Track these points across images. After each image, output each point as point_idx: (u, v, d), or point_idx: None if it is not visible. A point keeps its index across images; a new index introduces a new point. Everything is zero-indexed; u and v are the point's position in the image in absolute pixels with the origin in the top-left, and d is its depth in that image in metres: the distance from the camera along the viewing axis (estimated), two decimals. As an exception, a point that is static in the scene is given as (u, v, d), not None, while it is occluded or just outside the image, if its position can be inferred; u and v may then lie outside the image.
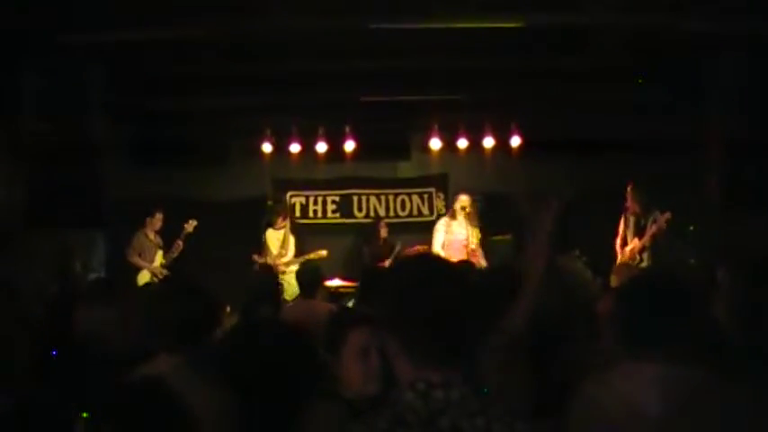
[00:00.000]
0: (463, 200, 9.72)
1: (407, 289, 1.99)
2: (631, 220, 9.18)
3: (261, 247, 10.36)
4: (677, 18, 7.82)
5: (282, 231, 10.37)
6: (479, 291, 2.18)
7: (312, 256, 10.22)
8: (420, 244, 10.66)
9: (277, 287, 5.25)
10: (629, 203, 9.18)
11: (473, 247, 9.50)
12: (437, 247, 9.58)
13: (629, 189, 9.14)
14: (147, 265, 9.79)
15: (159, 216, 9.96)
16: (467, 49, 9.13)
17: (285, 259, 10.17)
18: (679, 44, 8.81)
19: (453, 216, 9.80)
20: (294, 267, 10.10)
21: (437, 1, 7.76)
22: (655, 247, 9.03)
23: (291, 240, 10.45)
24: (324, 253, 10.34)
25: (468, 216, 9.61)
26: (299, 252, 10.39)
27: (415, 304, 1.95)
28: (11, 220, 7.66)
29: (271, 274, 5.29)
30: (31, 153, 7.85)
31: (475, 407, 1.91)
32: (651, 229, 8.96)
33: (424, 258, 2.31)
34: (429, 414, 1.88)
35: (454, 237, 9.63)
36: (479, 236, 9.71)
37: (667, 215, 8.89)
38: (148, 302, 3.25)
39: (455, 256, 9.02)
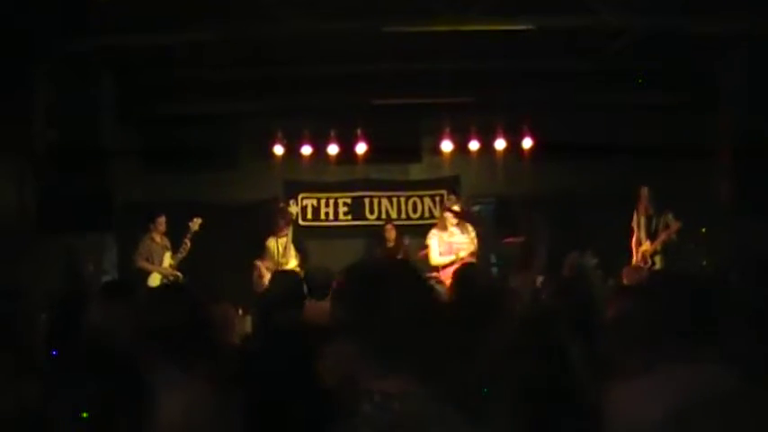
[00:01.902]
0: (448, 215, 9.79)
1: (374, 292, 1.89)
2: (642, 221, 9.15)
3: (263, 252, 10.28)
4: (689, 21, 7.81)
5: (284, 239, 10.24)
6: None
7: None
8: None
9: (302, 290, 5.15)
10: (641, 205, 9.15)
11: (471, 246, 9.53)
12: (436, 258, 9.62)
13: (642, 191, 9.10)
14: (155, 268, 9.79)
15: (162, 220, 9.94)
16: (478, 51, 9.14)
17: (288, 267, 10.02)
18: (690, 47, 8.78)
19: (444, 228, 9.79)
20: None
21: (448, 4, 7.76)
22: (666, 250, 9.00)
23: (292, 249, 10.34)
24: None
25: (457, 225, 9.65)
26: (304, 259, 10.30)
27: (382, 308, 1.86)
28: (22, 224, 7.71)
29: (296, 277, 5.17)
30: (41, 158, 7.89)
31: (434, 418, 1.80)
32: (662, 236, 8.93)
33: (382, 260, 2.24)
34: (386, 427, 1.78)
35: (451, 246, 9.64)
36: (474, 242, 9.69)
37: (678, 224, 8.85)
38: (139, 308, 3.21)
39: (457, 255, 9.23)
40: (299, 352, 2.91)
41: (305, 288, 5.28)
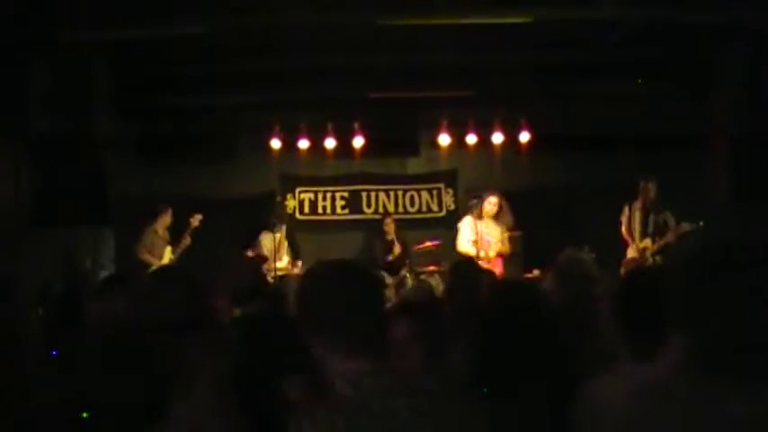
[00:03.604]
0: (492, 201, 9.34)
1: (326, 294, 2.30)
2: (637, 215, 9.10)
3: (255, 245, 10.27)
4: (688, 12, 7.79)
5: (278, 235, 10.23)
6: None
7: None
8: (429, 240, 10.68)
9: (264, 281, 5.20)
10: (642, 197, 9.08)
11: (501, 246, 9.27)
12: (464, 245, 9.27)
13: (649, 185, 9.01)
14: (156, 261, 9.78)
15: (169, 213, 9.97)
16: (476, 44, 9.12)
17: (280, 264, 10.04)
18: (689, 38, 8.77)
19: (480, 217, 9.37)
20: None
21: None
22: (665, 247, 8.96)
23: (285, 246, 10.35)
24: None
25: (495, 216, 9.32)
26: (296, 255, 10.32)
27: (333, 306, 2.26)
28: (18, 218, 7.69)
29: (258, 269, 5.22)
30: (38, 151, 7.87)
31: (401, 390, 2.19)
32: (668, 237, 8.84)
33: (341, 265, 2.51)
34: (361, 399, 2.12)
35: (481, 237, 9.31)
36: (506, 234, 9.39)
37: (687, 227, 8.75)
38: (138, 297, 3.16)
39: (486, 254, 9.00)
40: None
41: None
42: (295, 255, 10.46)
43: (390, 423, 2.14)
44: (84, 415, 2.14)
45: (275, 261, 9.81)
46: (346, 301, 2.25)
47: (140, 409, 2.62)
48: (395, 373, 2.27)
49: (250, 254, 10.07)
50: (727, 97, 9.22)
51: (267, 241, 10.13)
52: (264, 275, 5.22)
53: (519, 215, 10.86)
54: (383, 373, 2.21)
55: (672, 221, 8.88)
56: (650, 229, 8.98)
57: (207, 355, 2.91)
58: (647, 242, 8.98)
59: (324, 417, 2.11)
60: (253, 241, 10.25)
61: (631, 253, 9.07)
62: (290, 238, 10.45)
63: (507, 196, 11.27)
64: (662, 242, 8.89)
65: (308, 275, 2.51)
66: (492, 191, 9.43)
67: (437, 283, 9.12)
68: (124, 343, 3.32)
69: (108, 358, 3.26)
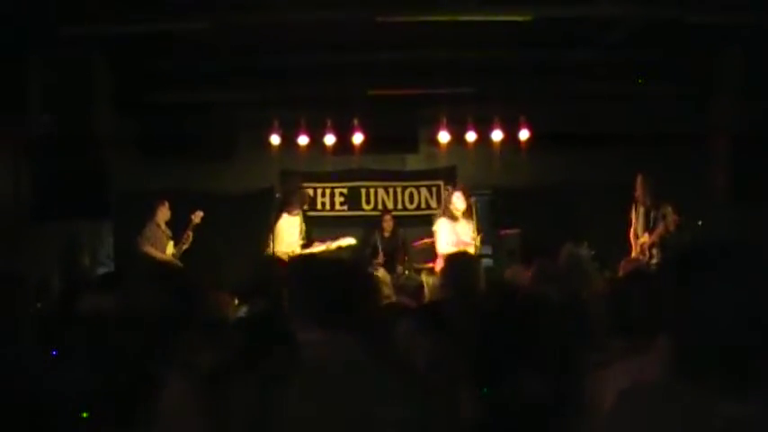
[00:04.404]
0: (458, 196, 9.40)
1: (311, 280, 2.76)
2: (641, 211, 9.11)
3: (271, 236, 10.18)
4: (686, 10, 7.80)
5: (298, 219, 10.12)
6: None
7: (343, 243, 10.07)
8: (428, 236, 10.67)
9: (272, 280, 5.18)
10: (638, 194, 9.10)
11: (477, 244, 9.35)
12: (444, 247, 9.29)
13: (639, 180, 9.05)
14: (159, 254, 9.77)
15: (166, 205, 9.95)
16: (475, 42, 9.12)
17: (296, 247, 9.99)
18: (688, 37, 8.77)
19: (454, 217, 9.38)
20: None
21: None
22: (663, 242, 8.97)
23: (304, 229, 10.35)
24: (353, 241, 10.15)
25: (465, 215, 9.37)
26: (307, 242, 10.30)
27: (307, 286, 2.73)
28: (18, 212, 7.70)
29: (270, 267, 5.19)
30: (38, 146, 7.87)
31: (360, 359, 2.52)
32: (659, 228, 8.87)
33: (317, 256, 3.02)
34: (321, 363, 2.45)
35: (459, 237, 9.34)
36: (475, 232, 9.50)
37: (677, 218, 8.78)
38: (130, 294, 3.12)
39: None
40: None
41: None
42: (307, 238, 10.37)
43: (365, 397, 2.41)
44: (84, 415, 2.15)
45: (290, 244, 9.77)
46: (318, 283, 2.69)
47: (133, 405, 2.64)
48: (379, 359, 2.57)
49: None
50: (727, 97, 9.23)
51: (288, 225, 9.90)
52: (274, 274, 5.18)
53: (517, 212, 10.92)
54: (355, 350, 2.53)
55: (670, 214, 8.89)
56: (650, 225, 9.00)
57: (199, 351, 2.92)
58: (645, 237, 9.00)
59: (306, 383, 2.41)
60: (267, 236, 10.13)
61: (634, 253, 9.07)
62: (306, 220, 10.40)
63: (506, 193, 11.34)
64: (656, 234, 8.90)
65: (294, 263, 3.09)
66: (456, 187, 9.53)
67: (434, 280, 9.12)
68: (116, 340, 3.33)
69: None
